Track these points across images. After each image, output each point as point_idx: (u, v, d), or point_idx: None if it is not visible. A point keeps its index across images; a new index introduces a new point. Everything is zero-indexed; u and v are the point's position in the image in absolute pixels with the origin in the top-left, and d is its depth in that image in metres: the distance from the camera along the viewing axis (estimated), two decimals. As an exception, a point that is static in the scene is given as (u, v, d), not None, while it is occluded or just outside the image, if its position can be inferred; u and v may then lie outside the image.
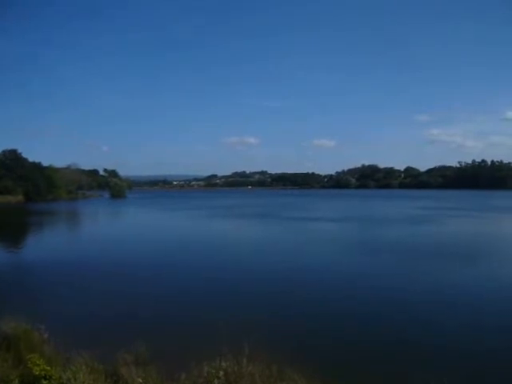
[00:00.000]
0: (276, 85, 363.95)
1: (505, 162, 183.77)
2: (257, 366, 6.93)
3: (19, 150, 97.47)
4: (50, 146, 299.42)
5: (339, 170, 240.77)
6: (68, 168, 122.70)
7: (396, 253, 23.06)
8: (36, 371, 6.26)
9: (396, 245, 26.17)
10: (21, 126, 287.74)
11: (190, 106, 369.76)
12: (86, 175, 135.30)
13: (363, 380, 7.95)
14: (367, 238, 30.48)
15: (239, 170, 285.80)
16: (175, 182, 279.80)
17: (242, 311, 12.20)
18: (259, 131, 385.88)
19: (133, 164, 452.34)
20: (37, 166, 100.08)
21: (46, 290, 15.34)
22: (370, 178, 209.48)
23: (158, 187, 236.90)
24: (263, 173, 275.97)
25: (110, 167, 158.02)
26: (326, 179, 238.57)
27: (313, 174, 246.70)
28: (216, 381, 6.52)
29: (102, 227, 45.14)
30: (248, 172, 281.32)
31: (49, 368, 6.40)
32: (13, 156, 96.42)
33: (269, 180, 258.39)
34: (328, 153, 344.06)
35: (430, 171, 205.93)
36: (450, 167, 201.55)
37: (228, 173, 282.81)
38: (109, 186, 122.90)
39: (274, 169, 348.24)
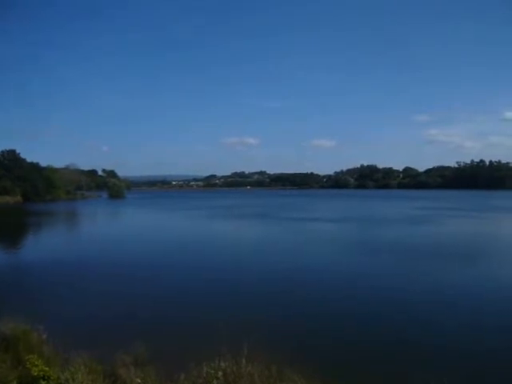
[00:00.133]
0: (276, 85, 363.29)
1: (503, 162, 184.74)
2: (256, 366, 6.92)
3: (18, 151, 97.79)
4: (50, 146, 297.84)
5: (338, 170, 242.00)
6: (67, 168, 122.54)
7: (395, 253, 23.05)
8: (34, 372, 6.25)
9: (395, 245, 26.17)
10: (21, 126, 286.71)
11: (190, 105, 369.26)
12: (84, 175, 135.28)
13: (363, 380, 7.94)
14: (366, 239, 30.47)
15: (238, 170, 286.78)
16: (174, 182, 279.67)
17: (240, 311, 12.18)
18: (259, 131, 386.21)
19: (132, 164, 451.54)
20: (35, 167, 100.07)
21: (44, 291, 15.29)
22: (368, 178, 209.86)
23: (157, 187, 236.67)
24: (262, 173, 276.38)
25: (109, 167, 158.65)
26: (324, 179, 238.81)
27: (312, 174, 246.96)
28: (215, 381, 6.51)
29: (100, 228, 45.04)
30: (247, 172, 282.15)
31: (47, 369, 6.39)
32: (11, 156, 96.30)
33: (267, 180, 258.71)
34: (327, 153, 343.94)
35: (428, 171, 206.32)
36: (448, 167, 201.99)
37: (227, 173, 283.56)
38: (107, 186, 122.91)
39: (273, 169, 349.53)
